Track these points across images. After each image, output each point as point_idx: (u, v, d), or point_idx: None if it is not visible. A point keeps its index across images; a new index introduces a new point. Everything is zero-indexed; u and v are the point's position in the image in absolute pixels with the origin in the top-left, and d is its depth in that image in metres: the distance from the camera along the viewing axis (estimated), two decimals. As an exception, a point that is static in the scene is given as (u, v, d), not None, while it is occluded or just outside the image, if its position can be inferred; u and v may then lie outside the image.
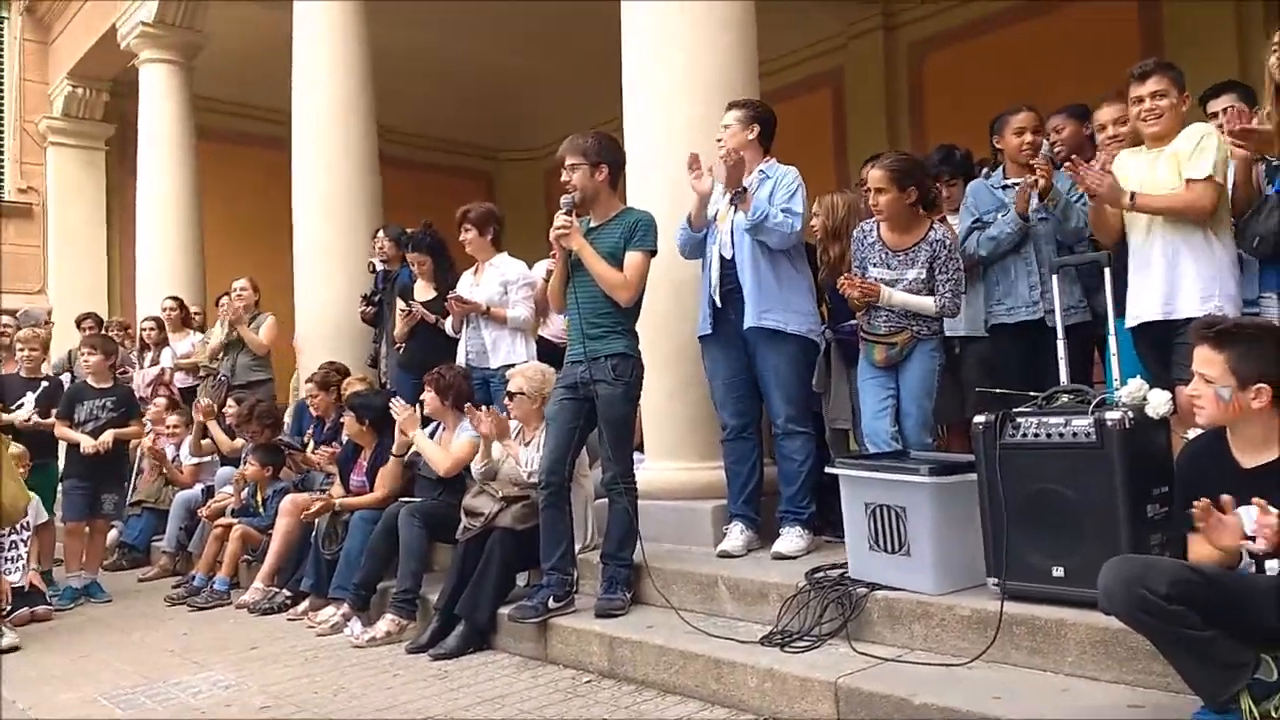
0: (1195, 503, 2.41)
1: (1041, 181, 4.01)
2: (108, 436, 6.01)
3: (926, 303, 3.91)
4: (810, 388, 4.30)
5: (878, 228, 4.03)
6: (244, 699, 3.72)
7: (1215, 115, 3.85)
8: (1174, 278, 3.32)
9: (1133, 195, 3.31)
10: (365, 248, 6.97)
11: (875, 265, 3.99)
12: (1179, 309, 3.29)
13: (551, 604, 3.94)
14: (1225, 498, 2.39)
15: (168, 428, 7.39)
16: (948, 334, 4.14)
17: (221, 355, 7.56)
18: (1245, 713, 2.29)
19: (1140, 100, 3.41)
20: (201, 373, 7.82)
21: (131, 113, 9.82)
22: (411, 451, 5.05)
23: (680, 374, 4.52)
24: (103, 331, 8.64)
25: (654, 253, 4.04)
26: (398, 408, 4.94)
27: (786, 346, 4.10)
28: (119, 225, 11.02)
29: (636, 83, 4.75)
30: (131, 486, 7.28)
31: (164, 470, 7.18)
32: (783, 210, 4.03)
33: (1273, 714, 2.29)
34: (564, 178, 4.04)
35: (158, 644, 4.77)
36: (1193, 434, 2.75)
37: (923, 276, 3.92)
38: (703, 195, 4.11)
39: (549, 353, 5.36)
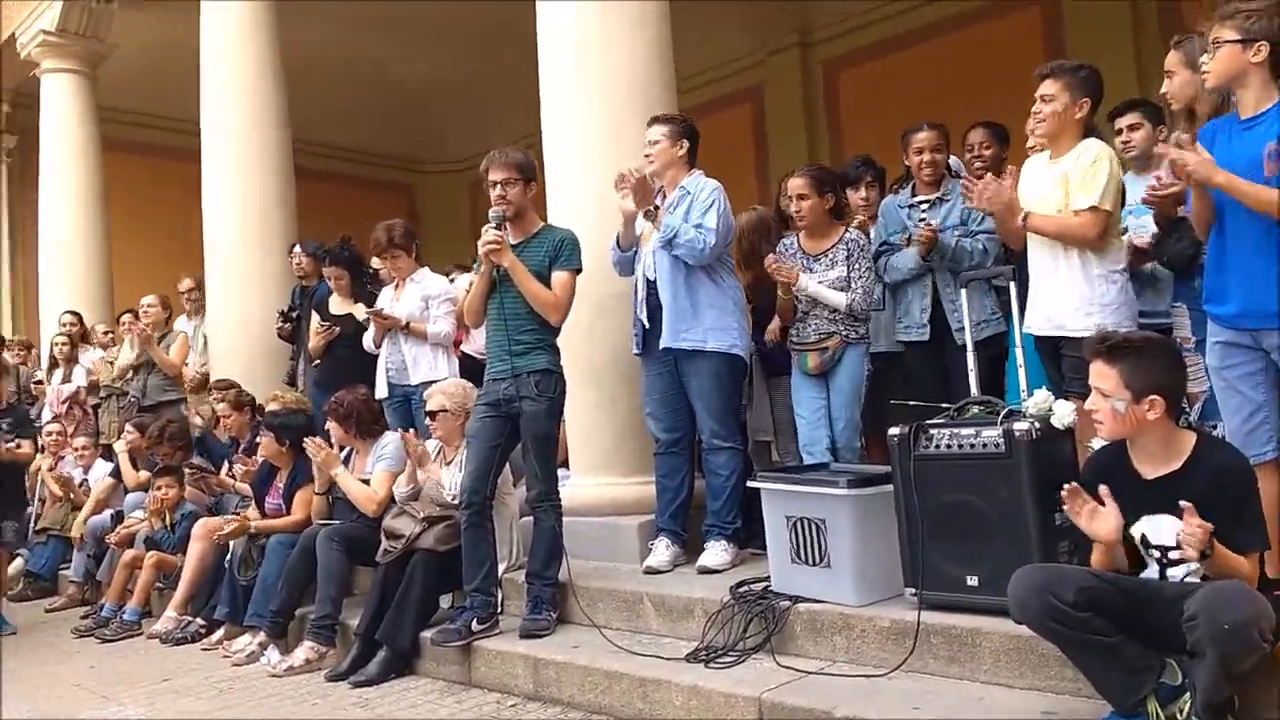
0: (1065, 486, 2.48)
1: (920, 246, 4.19)
2: (19, 450, 5.76)
3: (838, 297, 4.12)
4: (737, 402, 4.33)
5: (798, 238, 4.25)
6: (155, 735, 3.60)
7: (1120, 132, 3.97)
8: (1054, 294, 3.39)
9: (1025, 215, 3.39)
10: (282, 262, 6.83)
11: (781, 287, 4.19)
12: (1060, 324, 3.36)
13: (475, 626, 3.89)
14: (1103, 488, 2.48)
15: (75, 450, 7.11)
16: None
17: (131, 376, 7.30)
18: (1152, 716, 2.37)
19: (1034, 101, 3.46)
20: (103, 392, 7.55)
21: (33, 124, 9.46)
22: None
23: (605, 389, 4.51)
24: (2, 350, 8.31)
25: (579, 270, 4.03)
26: (313, 448, 4.74)
27: (708, 363, 4.12)
28: (20, 240, 10.59)
29: (554, 91, 4.72)
30: (35, 514, 7.00)
31: (70, 496, 6.91)
32: (695, 226, 4.05)
33: (1178, 717, 2.36)
34: (498, 192, 3.98)
35: (64, 677, 4.58)
36: (1096, 444, 2.83)
37: (844, 275, 4.15)
38: (629, 215, 4.12)
39: (471, 369, 5.30)
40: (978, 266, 4.15)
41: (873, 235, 4.53)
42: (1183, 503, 2.33)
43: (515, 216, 4.04)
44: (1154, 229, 3.63)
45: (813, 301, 4.19)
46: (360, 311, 5.57)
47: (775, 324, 4.46)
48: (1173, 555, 2.47)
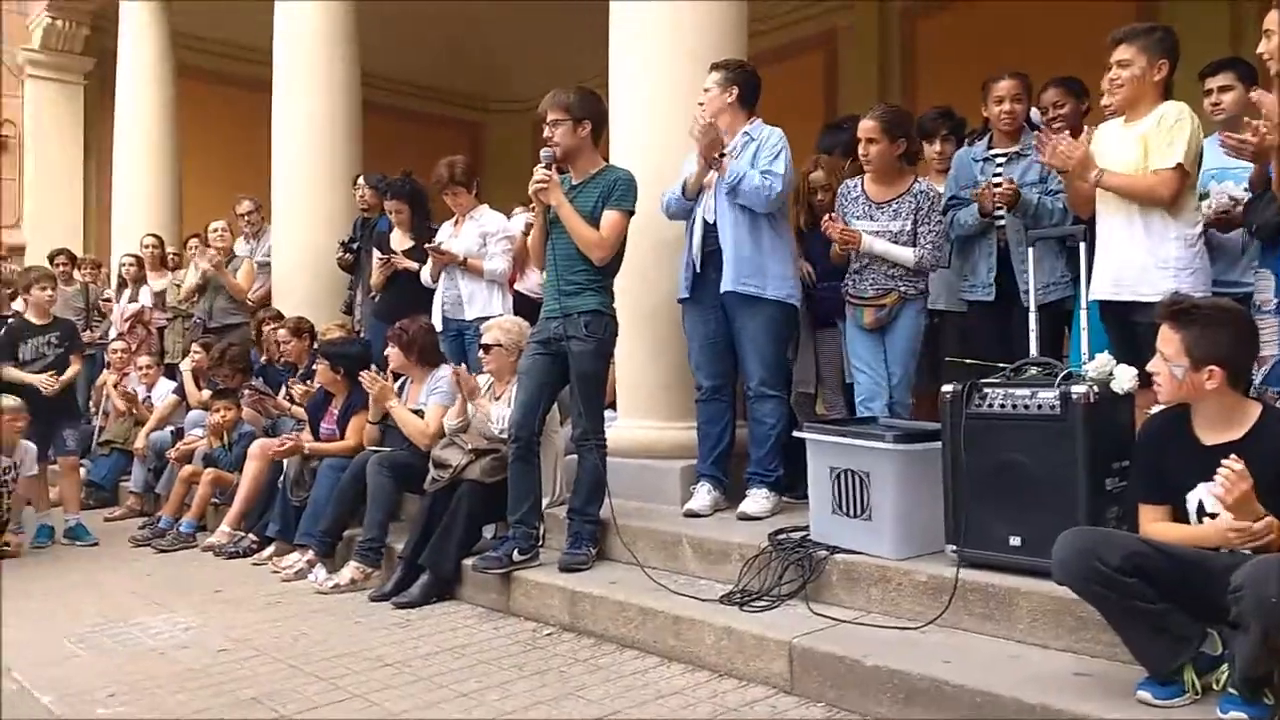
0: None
1: (995, 202, 4.03)
2: (65, 377, 5.96)
3: (906, 254, 4.00)
4: (785, 351, 4.30)
5: (861, 182, 4.14)
6: (204, 641, 3.72)
7: (1210, 93, 3.81)
8: (1125, 258, 3.29)
9: (1100, 172, 3.27)
10: (346, 194, 6.90)
11: (858, 218, 4.08)
12: (1127, 289, 3.26)
13: (516, 556, 3.95)
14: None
15: (139, 368, 7.32)
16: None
17: (197, 298, 7.47)
18: (1188, 684, 2.34)
19: (1109, 68, 3.35)
20: (169, 313, 7.73)
21: (111, 47, 9.60)
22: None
23: (656, 334, 4.50)
24: (76, 268, 8.56)
25: (632, 212, 4.00)
26: (369, 380, 4.82)
27: (763, 311, 4.08)
28: (97, 161, 10.83)
29: (622, 38, 4.67)
30: (100, 426, 7.24)
31: (133, 411, 7.13)
32: (763, 173, 3.99)
33: (1214, 686, 2.33)
34: (545, 133, 3.99)
35: (121, 585, 4.76)
36: (1155, 410, 2.76)
37: (907, 229, 4.02)
38: (702, 163, 4.07)
39: (525, 307, 5.33)
40: (1057, 223, 4.01)
41: (944, 188, 4.41)
42: (1232, 456, 2.27)
43: (569, 157, 4.03)
44: (1232, 195, 3.49)
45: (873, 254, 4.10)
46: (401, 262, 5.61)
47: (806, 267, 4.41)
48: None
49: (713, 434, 4.20)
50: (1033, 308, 3.47)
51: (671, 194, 4.21)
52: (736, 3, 4.60)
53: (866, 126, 4.05)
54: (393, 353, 4.98)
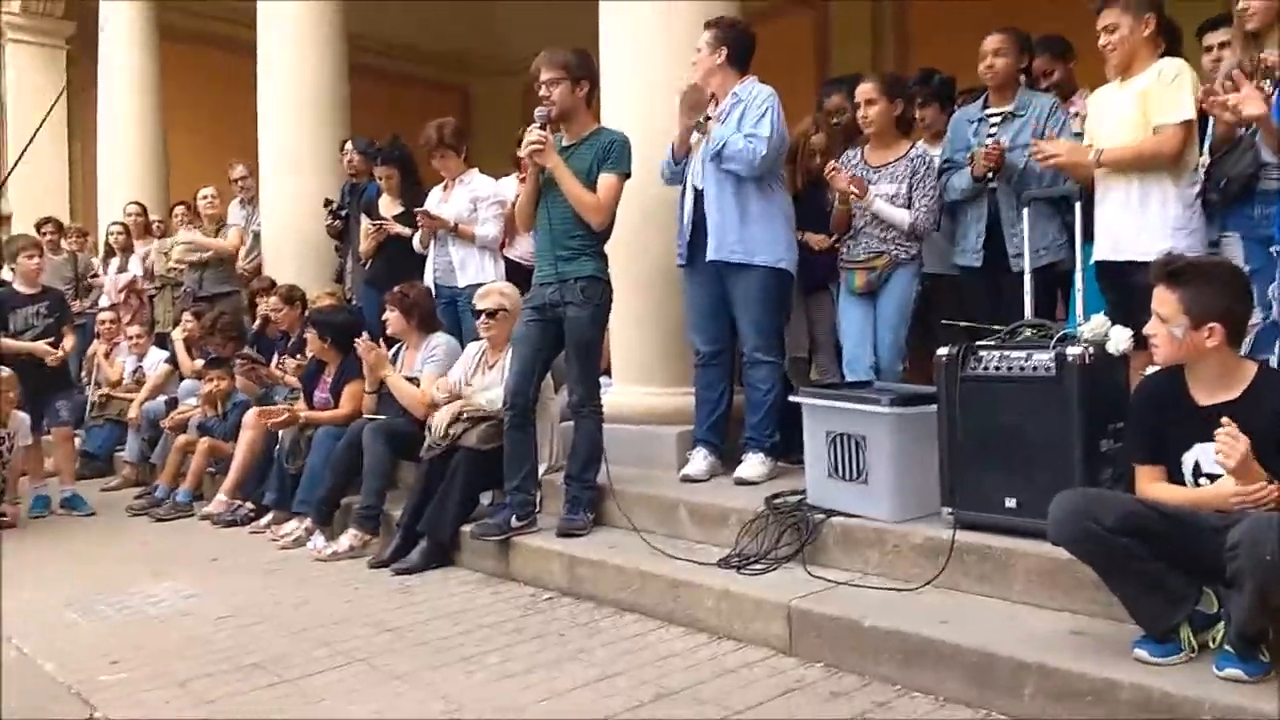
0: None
1: (977, 166, 3.98)
2: (66, 345, 5.94)
3: (901, 215, 4.04)
4: (781, 317, 4.29)
5: (861, 150, 4.18)
6: (204, 609, 3.74)
7: (1210, 49, 3.79)
8: (1123, 219, 3.30)
9: (1099, 153, 3.26)
10: (333, 159, 6.83)
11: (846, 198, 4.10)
12: (1128, 251, 3.27)
13: (514, 523, 3.97)
14: None
15: (130, 337, 7.29)
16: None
17: (186, 267, 7.41)
18: (1185, 642, 2.37)
19: (1099, 35, 3.36)
20: (158, 282, 7.68)
21: (93, 10, 9.44)
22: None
23: (651, 299, 4.49)
24: (63, 237, 8.48)
25: (628, 175, 3.97)
26: (364, 348, 4.80)
27: (753, 277, 4.07)
28: (80, 127, 10.68)
29: (615, 3, 4.61)
30: (96, 399, 7.20)
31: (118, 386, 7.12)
32: (746, 136, 3.95)
33: (1210, 645, 2.36)
34: (542, 92, 3.93)
35: (119, 554, 4.78)
36: (1150, 371, 2.77)
37: (903, 192, 4.06)
38: (685, 126, 4.04)
39: (515, 274, 5.31)
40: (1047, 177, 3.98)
41: (938, 151, 4.39)
42: (1224, 419, 2.28)
43: (565, 118, 3.98)
44: None
45: (868, 218, 4.10)
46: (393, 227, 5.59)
47: (820, 236, 4.38)
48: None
49: (710, 399, 4.21)
50: (1027, 270, 3.47)
51: (664, 159, 4.19)
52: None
53: (865, 89, 4.10)
54: (393, 316, 4.96)
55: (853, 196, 4.04)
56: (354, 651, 3.17)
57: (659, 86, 4.35)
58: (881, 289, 4.10)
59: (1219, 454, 2.33)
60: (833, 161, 4.14)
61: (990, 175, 4.04)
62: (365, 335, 4.91)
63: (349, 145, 6.55)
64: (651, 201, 4.34)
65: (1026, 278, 3.44)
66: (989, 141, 4.09)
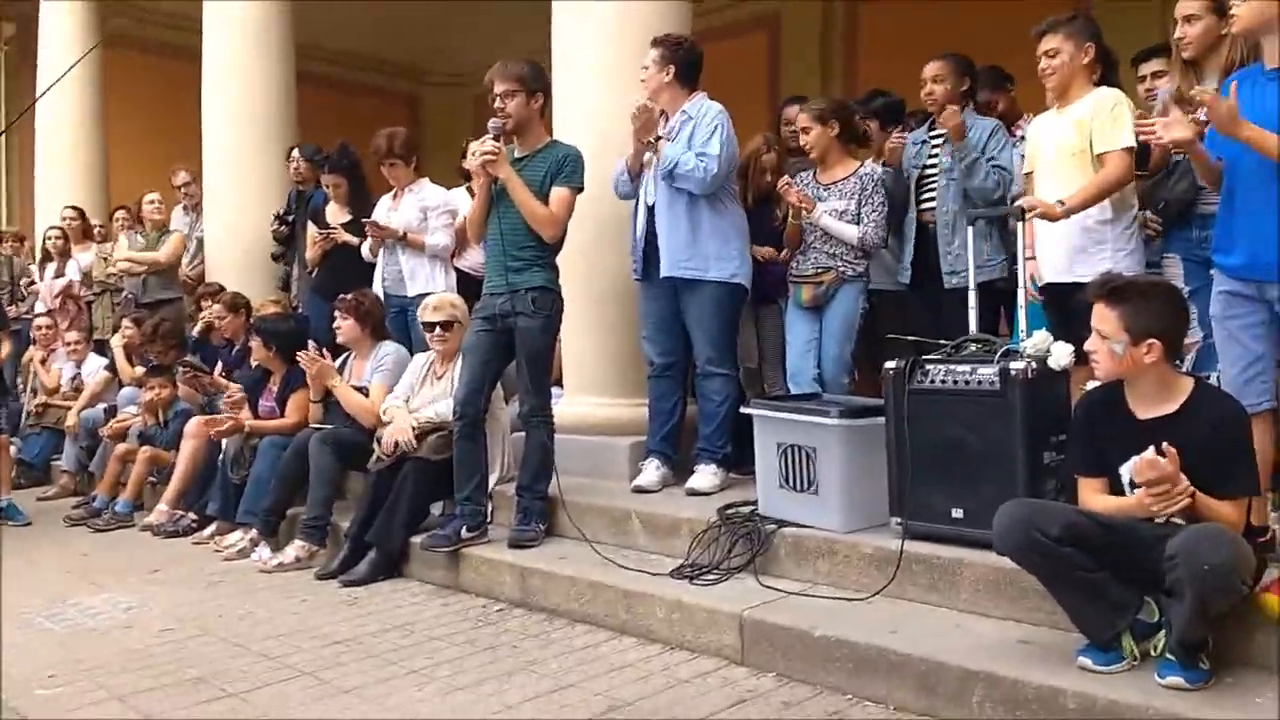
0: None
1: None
2: (2, 351, 5.77)
3: (850, 230, 4.13)
4: (735, 330, 4.33)
5: (814, 169, 4.28)
6: (145, 621, 3.66)
7: (1144, 79, 3.91)
8: (1065, 244, 3.38)
9: (1061, 203, 3.31)
10: (280, 168, 6.74)
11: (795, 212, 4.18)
12: (1069, 273, 3.36)
13: (464, 534, 3.95)
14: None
15: (67, 344, 7.10)
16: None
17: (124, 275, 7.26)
18: (1127, 651, 2.44)
19: (1039, 59, 3.44)
20: (97, 288, 7.50)
21: (32, 13, 9.20)
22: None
23: (604, 310, 4.51)
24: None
25: (580, 189, 3.99)
26: (306, 360, 4.72)
27: (706, 291, 4.11)
28: (17, 130, 10.39)
29: (567, 8, 4.63)
30: (35, 408, 7.00)
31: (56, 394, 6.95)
32: (698, 155, 3.99)
33: (1152, 653, 2.43)
34: (497, 104, 3.93)
35: (57, 565, 4.65)
36: (1091, 386, 2.85)
37: (851, 209, 4.15)
38: (637, 146, 4.07)
39: (465, 284, 5.28)
40: (988, 195, 4.07)
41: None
42: (1165, 445, 2.36)
43: (519, 130, 3.99)
44: None
45: (817, 234, 4.17)
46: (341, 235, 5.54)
47: (768, 249, 4.45)
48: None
49: (663, 410, 4.24)
50: (971, 285, 3.53)
51: (617, 173, 4.21)
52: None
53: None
54: (346, 324, 4.90)
55: (802, 212, 4.11)
56: (301, 665, 3.13)
57: (614, 98, 4.37)
58: (828, 304, 4.18)
59: (1133, 470, 2.40)
60: (785, 177, 4.22)
61: (932, 168, 4.26)
62: (311, 344, 4.84)
63: (295, 152, 6.47)
64: (606, 214, 4.36)
65: (971, 294, 3.50)
66: (929, 162, 4.27)
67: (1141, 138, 3.29)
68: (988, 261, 4.12)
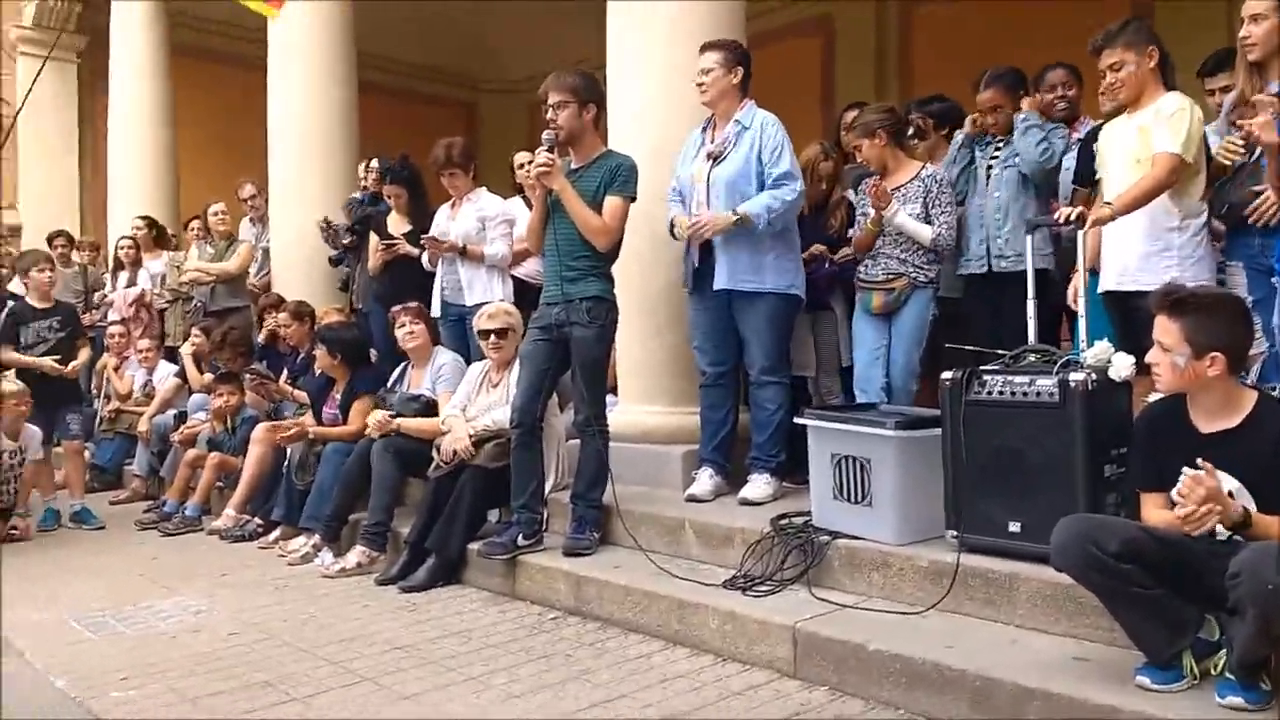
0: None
1: (872, 215, 4.18)
2: (77, 363, 6.01)
3: (924, 230, 4.11)
4: (787, 339, 4.33)
5: (877, 177, 4.26)
6: (213, 624, 3.77)
7: (1212, 94, 3.82)
8: (1130, 247, 3.33)
9: (1108, 204, 3.29)
10: (343, 177, 6.89)
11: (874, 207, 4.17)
12: (1134, 280, 3.31)
13: (521, 541, 4.00)
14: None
15: (139, 351, 7.33)
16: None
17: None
18: (1187, 670, 2.39)
19: (1103, 75, 3.41)
20: (169, 296, 7.73)
21: (104, 25, 9.50)
22: (386, 390, 5.09)
23: (657, 319, 4.53)
24: (74, 250, 8.55)
25: (633, 198, 4.02)
26: (374, 427, 4.73)
27: (764, 303, 4.11)
28: (90, 141, 10.77)
29: (623, 18, 4.66)
30: (109, 413, 7.23)
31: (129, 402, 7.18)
32: (775, 188, 4.00)
33: (1212, 672, 2.38)
34: (549, 115, 3.98)
35: (127, 568, 4.81)
36: (1153, 398, 2.80)
37: (917, 211, 4.12)
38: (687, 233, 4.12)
39: (523, 292, 5.35)
40: (1034, 159, 4.15)
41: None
42: (1200, 461, 2.33)
43: (572, 141, 4.03)
44: None
45: (885, 239, 4.15)
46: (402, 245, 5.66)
47: (817, 246, 4.47)
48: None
49: (715, 419, 4.24)
50: (1030, 293, 3.49)
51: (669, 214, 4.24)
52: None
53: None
54: (418, 329, 5.02)
55: (876, 205, 4.10)
56: (361, 670, 3.20)
57: (668, 106, 4.42)
58: (898, 311, 4.15)
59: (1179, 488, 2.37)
60: (871, 179, 4.19)
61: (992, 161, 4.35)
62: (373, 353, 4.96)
63: (374, 163, 6.58)
64: (659, 222, 4.37)
65: (1030, 303, 3.47)
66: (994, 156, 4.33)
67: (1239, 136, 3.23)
68: (1039, 249, 4.08)
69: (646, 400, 4.59)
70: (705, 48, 4.15)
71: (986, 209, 4.31)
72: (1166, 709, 2.27)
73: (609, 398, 4.39)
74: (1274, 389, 2.98)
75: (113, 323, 7.63)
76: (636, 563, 3.74)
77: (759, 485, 4.06)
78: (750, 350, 4.17)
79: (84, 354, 6.18)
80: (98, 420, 7.23)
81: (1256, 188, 3.24)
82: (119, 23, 9.12)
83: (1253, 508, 2.41)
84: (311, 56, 6.98)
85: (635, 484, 4.28)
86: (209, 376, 6.51)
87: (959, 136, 4.53)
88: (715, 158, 4.12)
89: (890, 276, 4.14)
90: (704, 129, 4.23)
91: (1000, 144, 4.36)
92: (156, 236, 8.13)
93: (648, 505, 4.08)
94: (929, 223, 4.10)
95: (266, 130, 7.17)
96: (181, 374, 7.04)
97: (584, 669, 3.15)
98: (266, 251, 7.42)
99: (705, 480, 4.16)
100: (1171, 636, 2.41)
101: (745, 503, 4.00)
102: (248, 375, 6.00)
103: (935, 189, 4.13)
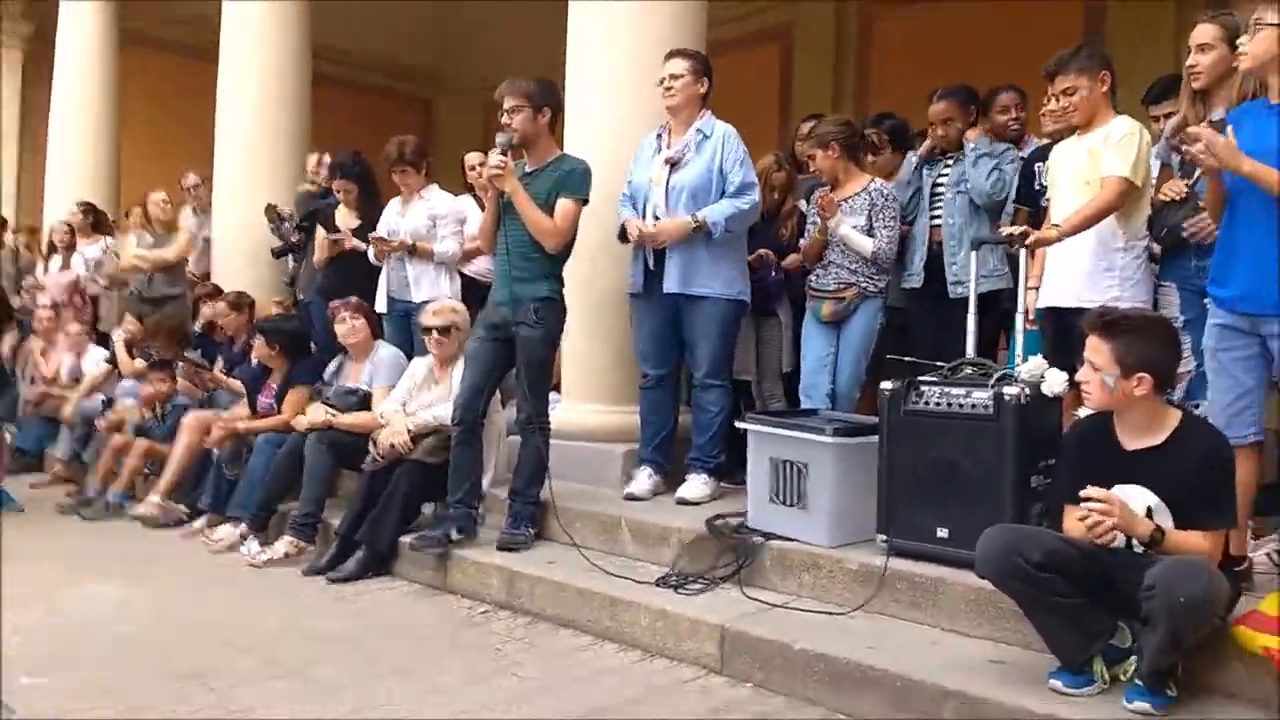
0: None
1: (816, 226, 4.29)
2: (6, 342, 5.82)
3: (865, 241, 4.19)
4: (732, 344, 4.36)
5: (828, 187, 4.34)
6: (134, 613, 3.66)
7: (1156, 120, 3.93)
8: (1076, 268, 3.41)
9: (1056, 226, 3.37)
10: (292, 169, 6.79)
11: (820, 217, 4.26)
12: (1075, 297, 3.38)
13: (454, 535, 3.97)
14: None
15: (68, 335, 7.13)
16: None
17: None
18: (1097, 675, 2.46)
19: (1054, 98, 3.51)
20: (106, 282, 7.54)
21: (51, 13, 9.29)
22: (322, 383, 5.03)
23: (604, 320, 4.53)
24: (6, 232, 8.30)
25: (586, 201, 4.03)
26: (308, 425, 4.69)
27: (712, 308, 4.14)
28: (31, 129, 10.50)
29: (584, 22, 4.68)
30: (26, 394, 7.02)
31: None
32: (735, 196, 4.07)
33: (1121, 678, 2.46)
34: (504, 119, 3.99)
35: (46, 554, 4.65)
36: (1083, 413, 2.87)
37: (862, 223, 4.20)
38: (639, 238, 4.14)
39: (471, 289, 5.31)
40: (984, 193, 4.25)
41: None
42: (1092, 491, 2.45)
43: (526, 144, 4.04)
44: None
45: (836, 249, 4.22)
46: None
47: (765, 251, 4.52)
48: None
49: (655, 420, 4.26)
50: (972, 306, 3.56)
51: (616, 227, 4.26)
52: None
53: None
54: (358, 323, 4.96)
55: (821, 215, 4.17)
56: (285, 661, 3.14)
57: (627, 111, 4.44)
58: (847, 320, 4.22)
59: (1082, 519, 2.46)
60: (820, 190, 4.28)
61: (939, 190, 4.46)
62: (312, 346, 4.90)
63: (325, 158, 6.49)
64: (610, 224, 4.38)
65: (970, 317, 3.53)
66: (939, 180, 4.45)
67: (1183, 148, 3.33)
68: (993, 271, 4.25)
69: (589, 399, 4.59)
70: (673, 54, 4.19)
71: (932, 236, 4.42)
72: (1077, 711, 2.34)
73: (551, 395, 4.37)
74: (1197, 406, 3.08)
75: (42, 306, 7.42)
76: (571, 559, 3.73)
77: (697, 485, 4.08)
78: (696, 354, 4.19)
79: (7, 337, 5.97)
80: (19, 403, 7.00)
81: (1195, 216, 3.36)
82: (67, 8, 8.89)
83: (1168, 524, 2.49)
84: (264, 46, 6.86)
85: (576, 481, 4.27)
86: (140, 363, 6.35)
87: (912, 158, 4.62)
88: (674, 163, 4.15)
89: (841, 286, 4.22)
90: (659, 134, 4.26)
91: (949, 163, 4.45)
92: (95, 223, 7.92)
93: (586, 503, 4.08)
94: (872, 235, 4.17)
95: (214, 120, 7.04)
96: (111, 359, 6.86)
97: (513, 662, 3.13)
98: (207, 241, 7.27)
99: (644, 479, 4.17)
100: (1085, 643, 2.48)
101: (683, 502, 4.02)
102: (182, 363, 5.87)
103: (881, 202, 4.21)
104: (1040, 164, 3.94)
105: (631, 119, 4.42)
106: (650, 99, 4.24)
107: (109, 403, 6.40)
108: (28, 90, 10.70)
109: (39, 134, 9.76)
